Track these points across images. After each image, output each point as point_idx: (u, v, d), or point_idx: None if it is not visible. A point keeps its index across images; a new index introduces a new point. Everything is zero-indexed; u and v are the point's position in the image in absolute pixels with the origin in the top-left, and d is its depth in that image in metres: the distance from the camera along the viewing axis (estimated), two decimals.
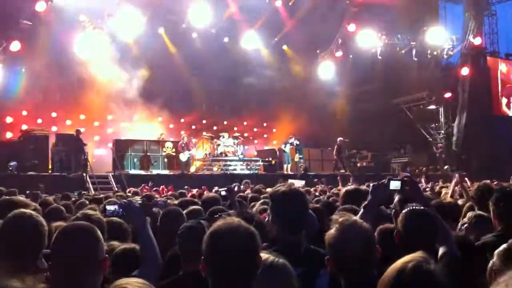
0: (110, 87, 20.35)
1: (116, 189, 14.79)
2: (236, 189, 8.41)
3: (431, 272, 1.66)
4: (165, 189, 12.76)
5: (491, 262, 2.58)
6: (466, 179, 10.82)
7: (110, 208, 3.40)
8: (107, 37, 20.39)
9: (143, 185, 13.50)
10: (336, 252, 2.37)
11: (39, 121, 20.47)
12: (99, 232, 2.31)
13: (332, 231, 2.42)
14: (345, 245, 2.33)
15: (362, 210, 3.21)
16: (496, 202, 3.59)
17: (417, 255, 1.74)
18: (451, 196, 6.86)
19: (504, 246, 2.63)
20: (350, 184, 8.98)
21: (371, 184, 3.52)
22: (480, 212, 4.03)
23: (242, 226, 2.04)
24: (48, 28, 18.64)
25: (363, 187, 5.82)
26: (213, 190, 9.09)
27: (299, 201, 2.95)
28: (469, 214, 4.00)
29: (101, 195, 8.64)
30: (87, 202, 6.69)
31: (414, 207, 2.91)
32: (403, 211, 2.93)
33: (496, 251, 2.60)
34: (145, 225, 3.04)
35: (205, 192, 9.62)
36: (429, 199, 3.88)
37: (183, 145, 19.89)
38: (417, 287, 1.63)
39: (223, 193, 5.23)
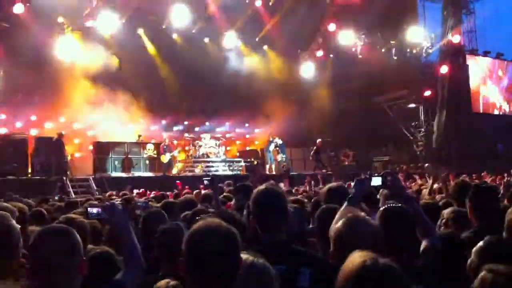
0: (89, 89, 20.15)
1: (96, 193, 14.66)
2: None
3: (386, 265, 1.68)
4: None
5: (469, 260, 2.62)
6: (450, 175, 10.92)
7: (93, 210, 3.34)
8: (85, 38, 20.19)
9: (129, 186, 13.28)
10: (341, 246, 2.38)
11: (18, 124, 20.17)
12: (76, 235, 2.28)
13: (339, 225, 2.45)
14: (351, 240, 2.35)
15: (346, 203, 3.16)
16: (472, 198, 3.63)
17: (366, 252, 1.75)
18: (429, 194, 6.89)
19: (480, 244, 2.66)
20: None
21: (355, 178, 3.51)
22: (458, 208, 4.07)
23: (222, 227, 2.03)
24: (26, 30, 18.35)
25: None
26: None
27: (279, 200, 2.94)
28: (447, 210, 4.04)
29: (78, 200, 8.51)
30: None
31: (390, 205, 2.93)
32: (380, 209, 2.95)
33: (474, 249, 2.64)
34: (128, 228, 2.94)
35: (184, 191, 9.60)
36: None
37: (164, 146, 19.84)
38: (373, 281, 1.65)
39: (205, 182, 5.21)
